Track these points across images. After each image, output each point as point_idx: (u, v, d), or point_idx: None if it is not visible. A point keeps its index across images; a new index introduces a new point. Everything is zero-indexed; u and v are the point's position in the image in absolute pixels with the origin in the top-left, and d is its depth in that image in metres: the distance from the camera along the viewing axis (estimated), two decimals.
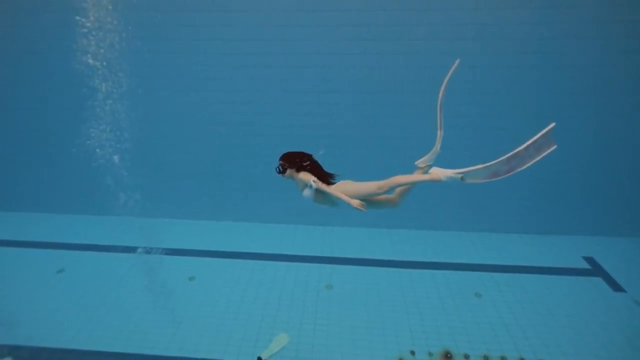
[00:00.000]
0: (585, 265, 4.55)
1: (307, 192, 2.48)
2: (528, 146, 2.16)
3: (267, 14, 4.45)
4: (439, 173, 2.31)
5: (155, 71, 4.76)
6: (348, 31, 4.44)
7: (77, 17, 3.64)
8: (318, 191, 2.46)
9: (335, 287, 4.21)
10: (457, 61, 2.41)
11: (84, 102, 3.84)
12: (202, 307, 3.88)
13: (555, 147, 2.17)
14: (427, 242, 5.05)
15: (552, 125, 2.10)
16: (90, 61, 3.69)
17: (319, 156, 2.60)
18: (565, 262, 4.59)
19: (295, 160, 2.54)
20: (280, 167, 2.54)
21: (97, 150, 4.26)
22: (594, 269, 4.48)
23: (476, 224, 5.25)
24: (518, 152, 2.18)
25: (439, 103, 2.51)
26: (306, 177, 2.46)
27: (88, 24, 3.61)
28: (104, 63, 3.79)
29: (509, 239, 5.09)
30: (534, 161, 2.22)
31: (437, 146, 2.52)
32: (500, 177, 2.27)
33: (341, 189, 2.46)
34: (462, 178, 2.24)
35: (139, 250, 4.67)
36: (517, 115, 4.63)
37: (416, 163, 2.56)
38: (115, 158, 4.30)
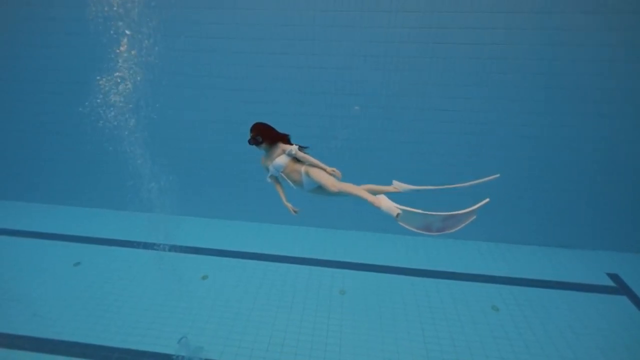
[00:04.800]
0: (609, 282, 4.38)
1: (281, 160, 2.58)
2: (467, 212, 2.27)
3: (290, 13, 4.39)
4: (381, 201, 2.35)
5: (174, 69, 4.76)
6: (371, 33, 4.35)
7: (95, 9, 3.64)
8: (292, 162, 2.59)
9: (348, 293, 4.15)
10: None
11: (101, 99, 3.86)
12: (214, 307, 3.88)
13: (475, 217, 2.35)
14: (444, 250, 4.94)
15: (487, 200, 2.26)
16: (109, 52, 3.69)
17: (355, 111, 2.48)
18: (588, 278, 4.43)
19: (272, 132, 2.61)
20: (258, 138, 2.58)
21: (117, 146, 4.28)
22: (619, 287, 4.30)
23: (495, 234, 5.11)
24: (459, 214, 2.25)
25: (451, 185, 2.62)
26: (285, 146, 2.59)
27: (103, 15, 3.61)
28: (119, 60, 3.80)
29: (529, 251, 4.94)
30: (461, 227, 2.32)
31: (417, 189, 2.57)
32: (429, 233, 2.32)
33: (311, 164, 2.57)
34: (397, 215, 2.26)
35: (155, 246, 4.70)
36: (538, 123, 4.48)
37: (393, 182, 2.62)
38: (134, 154, 4.33)
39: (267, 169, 2.71)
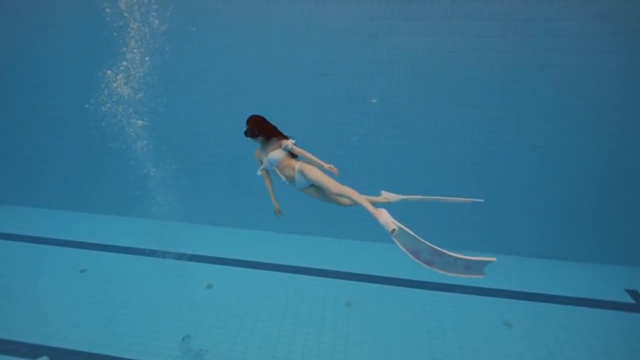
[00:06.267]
0: (628, 299, 4.19)
1: (276, 154, 2.56)
2: (459, 259, 2.18)
3: (299, 21, 4.38)
4: (381, 214, 2.34)
5: (185, 75, 4.78)
6: (379, 40, 4.31)
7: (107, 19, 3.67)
8: (287, 157, 2.57)
9: (354, 305, 4.06)
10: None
11: (112, 105, 3.90)
12: (219, 317, 3.82)
13: (482, 276, 2.23)
14: None
15: (494, 259, 2.12)
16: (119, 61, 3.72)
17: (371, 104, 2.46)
18: (605, 294, 4.25)
19: (268, 126, 2.59)
20: (255, 131, 2.56)
21: (125, 153, 4.30)
22: (638, 304, 4.12)
23: (507, 246, 4.96)
24: (447, 255, 2.19)
25: (432, 198, 2.61)
26: (281, 140, 2.58)
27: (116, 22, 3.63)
28: (133, 64, 3.82)
29: (542, 265, 4.78)
30: (455, 275, 2.24)
31: (405, 198, 2.59)
32: (417, 260, 2.30)
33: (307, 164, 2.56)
34: (393, 230, 2.25)
35: (161, 253, 4.69)
36: (550, 131, 4.36)
37: (382, 192, 2.64)
38: (143, 162, 4.34)
39: (261, 162, 2.69)
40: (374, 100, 2.54)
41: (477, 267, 2.18)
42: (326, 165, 2.49)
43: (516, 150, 4.51)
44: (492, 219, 4.84)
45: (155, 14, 3.77)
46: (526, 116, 4.37)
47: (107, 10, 3.75)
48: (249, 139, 2.62)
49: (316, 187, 2.61)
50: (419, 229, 2.25)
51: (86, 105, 4.42)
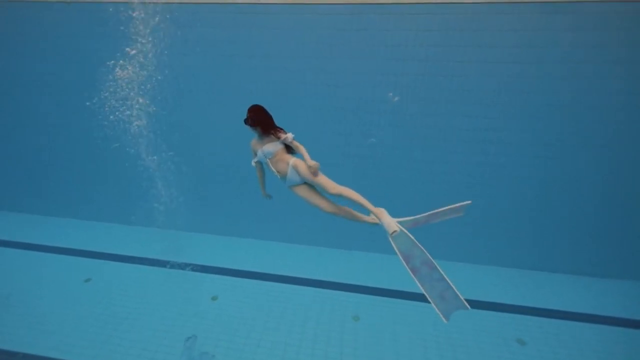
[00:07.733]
0: None
1: (272, 147, 2.52)
2: (444, 280, 2.21)
3: (307, 32, 4.39)
4: (384, 215, 2.33)
5: (190, 85, 4.80)
6: (387, 51, 4.29)
7: (122, 27, 3.69)
8: (282, 151, 2.54)
9: (362, 319, 3.96)
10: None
11: (121, 111, 3.91)
12: (224, 330, 3.74)
13: (445, 321, 2.30)
14: (463, 276, 4.69)
15: (468, 307, 2.19)
16: (131, 68, 3.74)
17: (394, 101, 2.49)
18: (624, 311, 4.10)
19: (267, 118, 2.55)
20: (254, 120, 2.52)
21: (130, 160, 4.30)
22: None
23: (521, 260, 4.84)
24: (436, 269, 2.21)
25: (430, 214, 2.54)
26: (281, 134, 2.55)
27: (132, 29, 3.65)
28: (145, 71, 3.84)
29: (558, 280, 4.64)
30: (426, 295, 2.29)
31: (398, 222, 2.51)
32: (405, 264, 2.30)
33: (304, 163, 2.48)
34: (393, 232, 2.23)
35: (166, 263, 4.65)
36: (566, 143, 4.28)
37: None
38: (147, 170, 4.34)
39: (255, 154, 2.65)
40: (396, 98, 2.57)
41: (449, 304, 2.18)
42: (310, 162, 2.41)
43: (526, 161, 4.42)
44: (504, 232, 4.73)
45: (159, 19, 3.80)
46: (536, 128, 4.29)
47: (110, 11, 3.76)
48: (249, 127, 2.59)
49: (308, 187, 2.55)
50: (421, 238, 2.25)
51: (87, 103, 4.43)
